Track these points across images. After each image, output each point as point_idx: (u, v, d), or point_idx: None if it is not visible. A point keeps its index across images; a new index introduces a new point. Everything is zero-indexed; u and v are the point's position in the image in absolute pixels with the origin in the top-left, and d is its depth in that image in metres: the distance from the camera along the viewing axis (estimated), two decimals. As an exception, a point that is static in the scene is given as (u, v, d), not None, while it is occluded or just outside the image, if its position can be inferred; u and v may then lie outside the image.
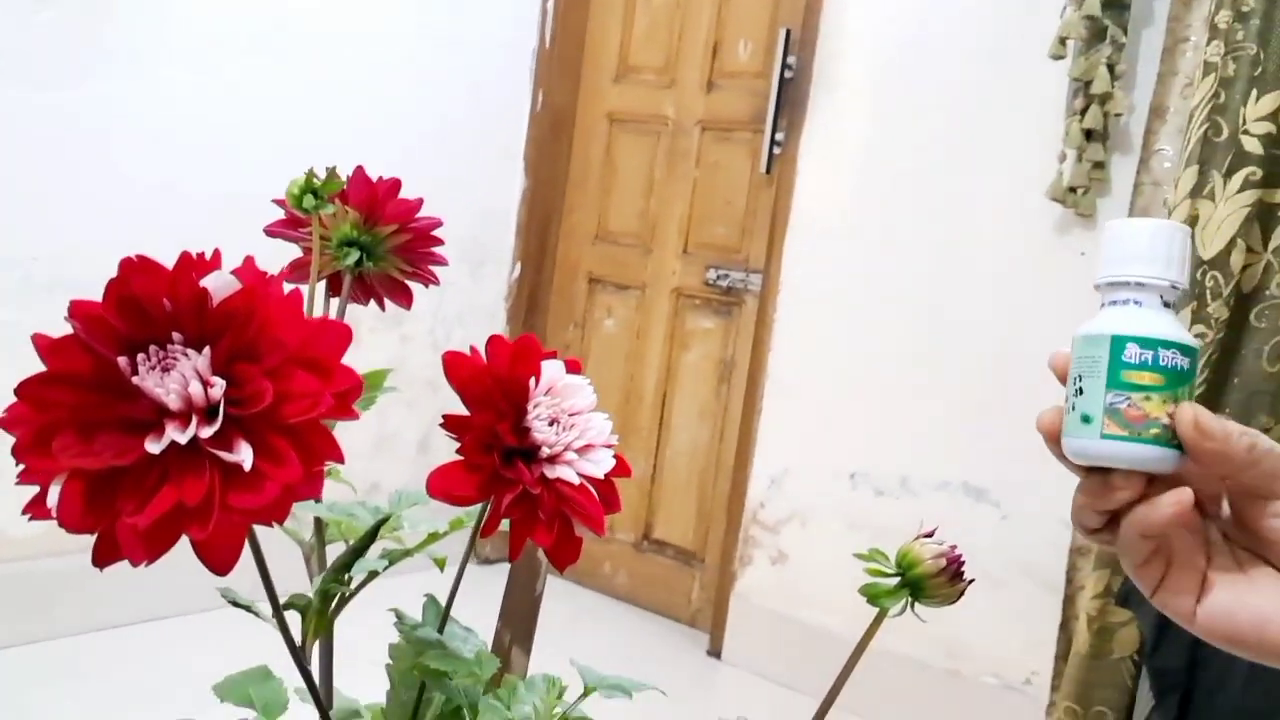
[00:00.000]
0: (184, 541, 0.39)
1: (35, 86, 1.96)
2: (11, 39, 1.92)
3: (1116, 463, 0.48)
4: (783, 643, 2.38)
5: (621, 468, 0.52)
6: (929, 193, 2.23)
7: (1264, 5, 1.62)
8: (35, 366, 0.39)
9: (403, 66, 2.55)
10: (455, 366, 0.50)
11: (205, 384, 0.39)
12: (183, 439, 0.38)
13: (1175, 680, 1.59)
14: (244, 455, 0.38)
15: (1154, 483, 0.48)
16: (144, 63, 2.11)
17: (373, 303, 0.68)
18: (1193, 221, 1.66)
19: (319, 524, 0.63)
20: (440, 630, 0.59)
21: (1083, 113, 1.95)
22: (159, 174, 2.14)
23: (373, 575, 0.56)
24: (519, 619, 0.73)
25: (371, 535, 0.55)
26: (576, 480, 0.50)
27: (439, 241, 0.67)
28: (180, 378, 0.39)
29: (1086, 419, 0.48)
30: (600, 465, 0.51)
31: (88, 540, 0.39)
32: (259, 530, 0.44)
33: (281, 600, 0.52)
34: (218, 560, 0.39)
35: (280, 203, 0.65)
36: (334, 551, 0.60)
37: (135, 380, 0.39)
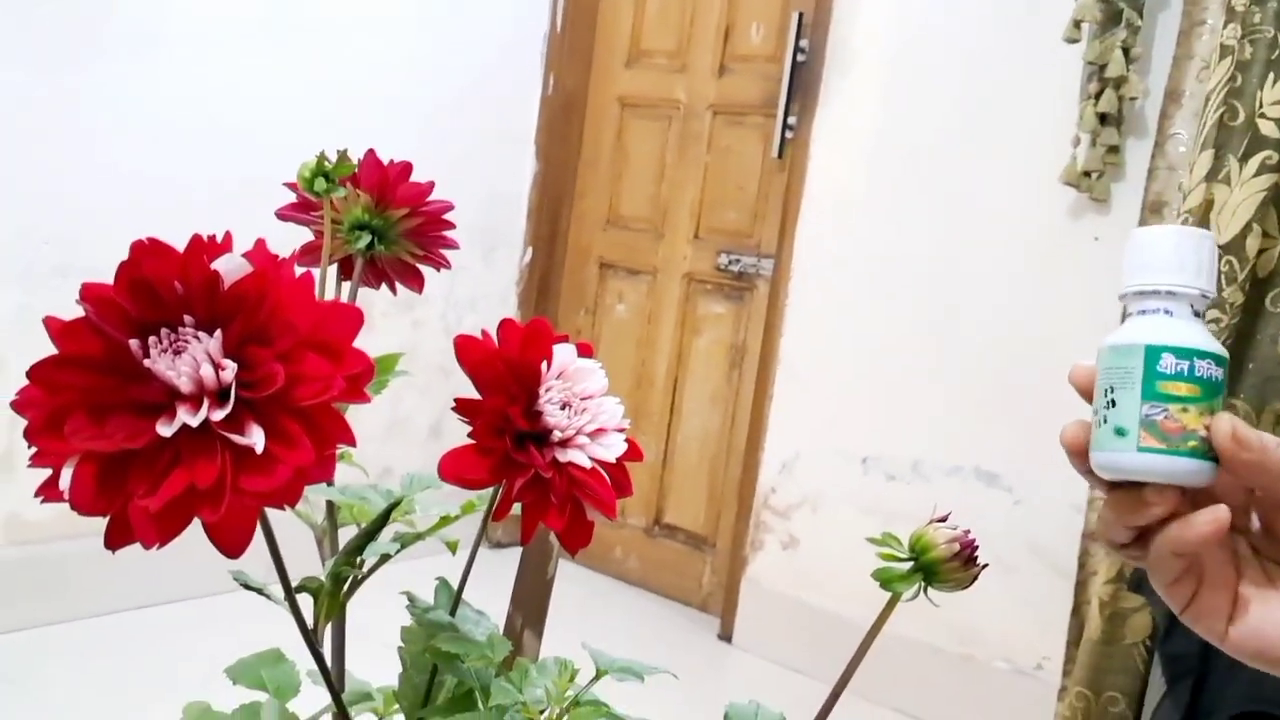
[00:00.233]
0: (196, 524, 0.39)
1: (42, 72, 1.96)
2: (18, 26, 1.92)
3: (1153, 476, 0.46)
4: (794, 627, 2.38)
5: (633, 452, 0.52)
6: (942, 177, 2.22)
7: (1282, -13, 1.60)
8: (48, 350, 0.39)
9: (413, 51, 2.55)
10: (467, 350, 0.50)
11: (217, 367, 0.39)
12: (194, 422, 0.38)
13: (1188, 666, 1.59)
14: (255, 438, 0.38)
15: (1183, 497, 0.47)
16: (149, 48, 2.11)
17: (384, 287, 0.68)
18: (1208, 206, 1.64)
19: (331, 507, 0.63)
20: (452, 613, 0.59)
21: (1097, 96, 1.93)
22: (164, 162, 2.14)
23: (385, 558, 0.56)
24: (531, 602, 0.73)
25: (383, 519, 0.55)
26: (588, 464, 0.50)
27: (450, 225, 0.67)
28: (192, 360, 0.39)
29: (1121, 431, 0.46)
30: (612, 449, 0.51)
31: (101, 524, 0.39)
32: (271, 513, 0.44)
33: (294, 583, 0.52)
34: (229, 543, 0.39)
35: (292, 186, 0.65)
36: (346, 535, 0.60)
37: (147, 363, 0.39)
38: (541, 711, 0.56)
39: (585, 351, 0.52)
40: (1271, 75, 1.60)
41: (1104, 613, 1.74)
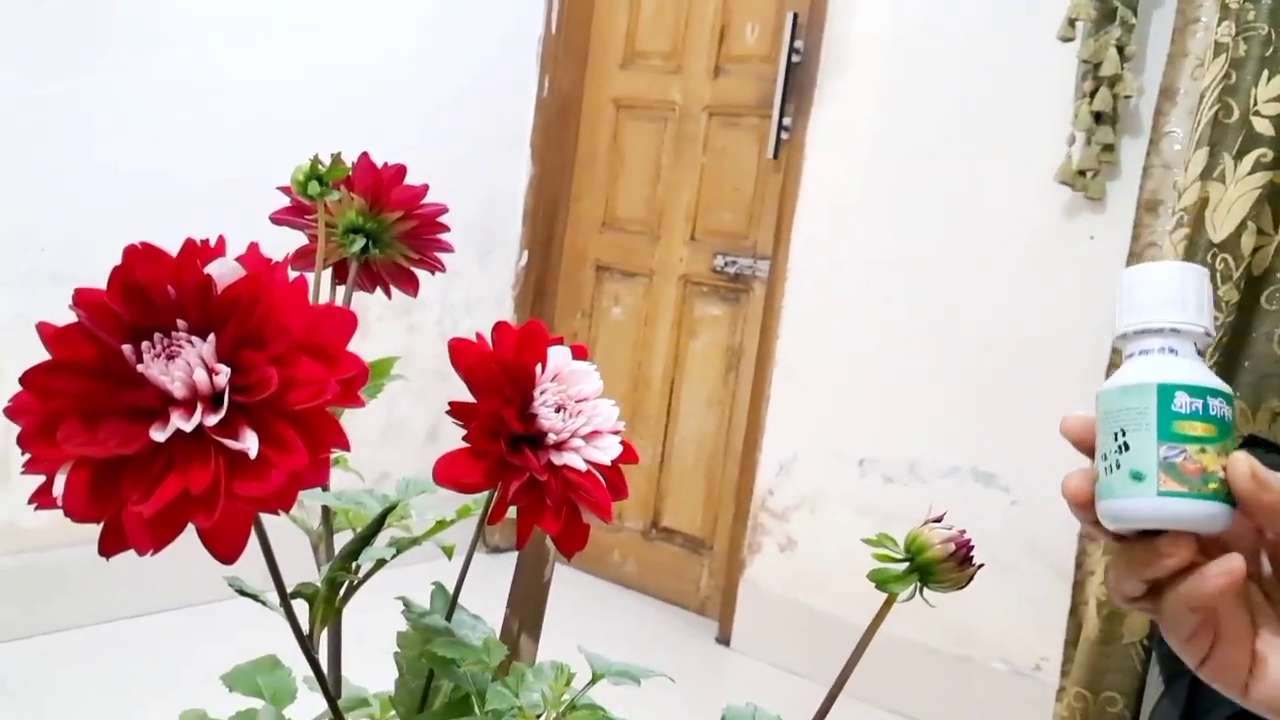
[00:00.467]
0: (191, 532, 0.39)
1: (39, 77, 1.96)
2: (18, 26, 1.92)
3: (1176, 522, 0.43)
4: (792, 629, 2.38)
5: (629, 454, 0.52)
6: (938, 177, 2.22)
7: (1275, -14, 1.60)
8: (42, 356, 0.39)
9: (408, 53, 2.55)
10: (461, 353, 0.50)
11: (210, 371, 0.39)
12: (188, 427, 0.38)
13: (1185, 665, 1.59)
14: (249, 443, 0.38)
15: (1197, 545, 0.44)
16: (146, 51, 2.10)
17: (379, 291, 0.68)
18: (1203, 204, 1.65)
19: (326, 512, 0.63)
20: (448, 618, 0.58)
21: (1092, 95, 1.93)
22: (164, 162, 2.14)
23: (380, 563, 0.56)
24: (527, 606, 0.73)
25: (379, 523, 0.55)
26: (584, 467, 0.50)
27: (445, 228, 0.67)
28: (185, 365, 0.39)
29: (1138, 476, 0.43)
30: (607, 452, 0.51)
31: (96, 531, 0.39)
32: (266, 519, 0.44)
33: (289, 589, 0.52)
34: (224, 548, 0.39)
35: (285, 190, 0.65)
36: (341, 540, 0.60)
37: (140, 368, 0.39)
38: (538, 716, 0.56)
39: (580, 354, 0.52)
40: (1266, 72, 1.60)
41: (1101, 612, 1.74)
